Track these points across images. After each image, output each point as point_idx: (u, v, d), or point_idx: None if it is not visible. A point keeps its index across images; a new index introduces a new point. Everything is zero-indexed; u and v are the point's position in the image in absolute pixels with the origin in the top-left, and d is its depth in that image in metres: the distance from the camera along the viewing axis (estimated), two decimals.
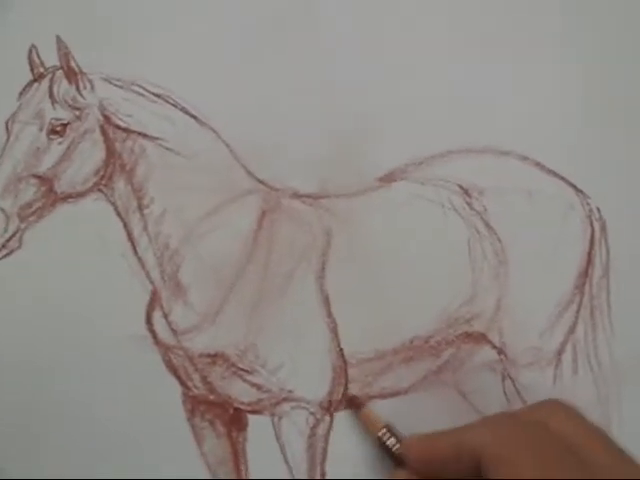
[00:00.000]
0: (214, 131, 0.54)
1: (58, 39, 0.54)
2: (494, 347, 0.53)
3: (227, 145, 0.54)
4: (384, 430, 0.50)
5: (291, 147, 0.54)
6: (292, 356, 0.52)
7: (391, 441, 0.49)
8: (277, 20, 0.55)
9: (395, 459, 0.49)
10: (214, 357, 0.52)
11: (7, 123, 0.54)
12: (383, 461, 0.50)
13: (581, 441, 0.44)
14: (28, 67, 0.54)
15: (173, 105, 0.54)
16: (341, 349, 0.53)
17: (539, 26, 0.57)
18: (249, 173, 0.54)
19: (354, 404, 0.52)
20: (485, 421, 0.48)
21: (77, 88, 0.54)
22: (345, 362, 0.52)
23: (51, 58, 0.54)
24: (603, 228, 0.54)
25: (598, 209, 0.54)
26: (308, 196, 0.54)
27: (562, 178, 0.55)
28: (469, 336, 0.53)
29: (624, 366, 0.54)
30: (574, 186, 0.55)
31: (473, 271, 0.53)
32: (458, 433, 0.46)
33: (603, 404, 0.53)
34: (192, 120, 0.54)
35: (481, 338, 0.53)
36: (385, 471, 0.51)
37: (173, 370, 0.52)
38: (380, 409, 0.52)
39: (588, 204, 0.55)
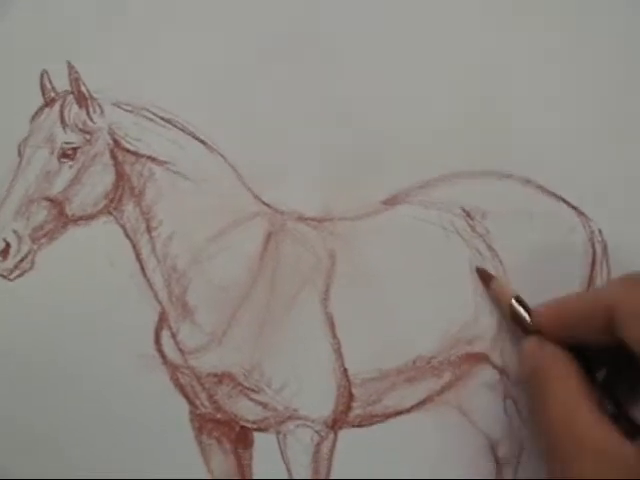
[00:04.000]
0: (222, 155, 0.55)
1: (69, 64, 0.55)
2: (495, 367, 0.54)
3: (234, 169, 0.55)
4: (514, 300, 0.52)
5: (296, 171, 0.55)
6: (297, 375, 0.53)
7: (522, 310, 0.51)
8: (281, 46, 0.56)
9: (525, 328, 0.51)
10: (221, 376, 0.54)
11: (19, 147, 0.55)
12: None
13: None
14: (40, 91, 0.56)
15: (181, 130, 0.55)
16: (345, 369, 0.54)
17: (538, 46, 0.57)
18: (255, 196, 0.55)
19: (483, 276, 0.54)
20: (619, 281, 0.49)
21: (87, 112, 0.55)
22: (349, 382, 0.53)
23: (62, 83, 0.56)
24: (604, 250, 0.55)
25: (600, 231, 0.55)
26: (313, 219, 0.55)
27: (564, 200, 0.55)
28: (471, 357, 0.54)
29: None
30: (576, 208, 0.55)
31: (475, 293, 0.54)
32: (591, 293, 0.50)
33: None
34: (200, 145, 0.55)
35: (483, 358, 0.54)
36: None
37: (181, 389, 0.54)
38: (383, 429, 0.53)
39: (590, 226, 0.55)
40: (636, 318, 0.45)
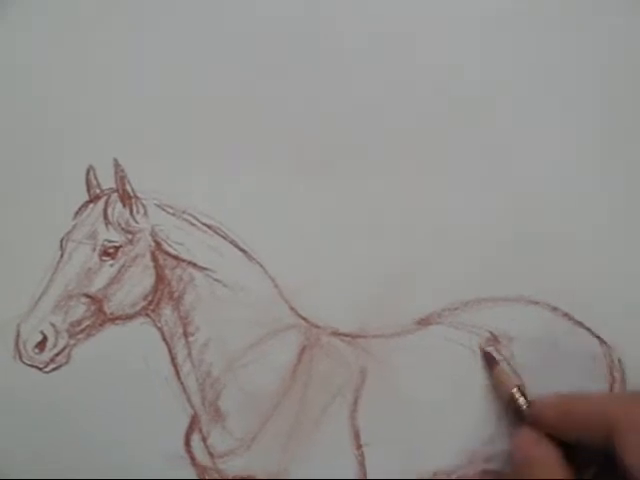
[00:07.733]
0: (261, 266, 0.56)
1: (115, 162, 0.56)
2: None
3: (273, 280, 0.56)
4: (516, 389, 0.54)
5: (335, 287, 0.56)
6: None
7: (521, 400, 0.54)
8: (315, 158, 0.58)
9: (522, 417, 0.53)
10: None
11: (62, 241, 0.56)
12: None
13: None
14: (85, 187, 0.56)
15: (223, 237, 0.56)
16: None
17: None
18: (292, 309, 0.56)
19: (488, 359, 0.56)
20: (620, 395, 0.55)
21: (131, 212, 0.56)
22: None
23: (108, 180, 0.56)
24: (622, 379, 0.57)
25: (619, 360, 0.57)
26: (347, 335, 0.56)
27: (588, 329, 0.57)
28: (487, 473, 0.56)
29: None
30: (599, 337, 0.57)
31: (497, 414, 0.56)
32: (591, 403, 0.51)
33: None
34: (241, 254, 0.56)
35: (497, 475, 0.56)
36: None
37: None
38: None
39: (610, 355, 0.57)
40: (633, 434, 0.48)
